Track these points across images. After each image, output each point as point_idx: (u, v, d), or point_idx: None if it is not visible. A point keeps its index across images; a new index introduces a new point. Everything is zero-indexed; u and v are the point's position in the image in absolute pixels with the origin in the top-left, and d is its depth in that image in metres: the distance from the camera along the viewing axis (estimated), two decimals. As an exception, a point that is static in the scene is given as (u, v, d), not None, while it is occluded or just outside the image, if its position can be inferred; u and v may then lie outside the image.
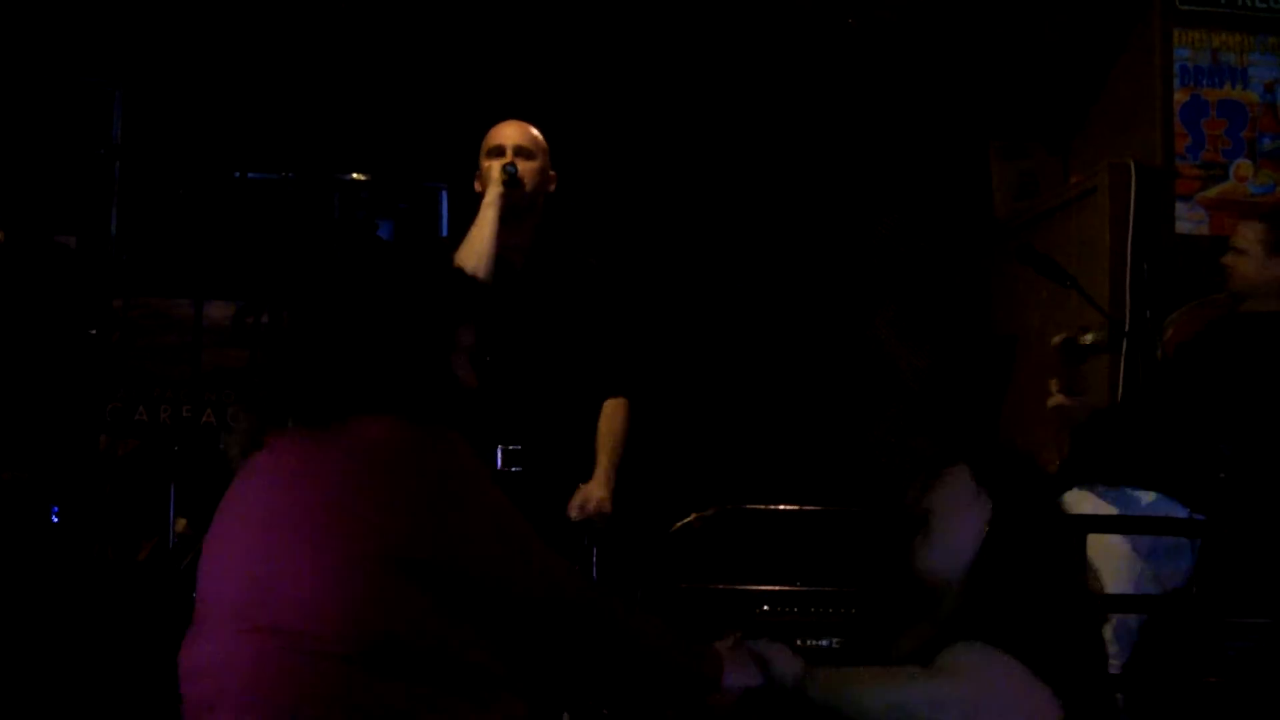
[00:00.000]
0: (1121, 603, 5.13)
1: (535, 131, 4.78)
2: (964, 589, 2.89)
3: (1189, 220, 6.80)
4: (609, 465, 4.69)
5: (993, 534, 2.89)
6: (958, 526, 2.90)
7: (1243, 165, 6.88)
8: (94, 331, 6.42)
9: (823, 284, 7.92)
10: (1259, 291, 5.39)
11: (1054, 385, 5.25)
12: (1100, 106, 7.35)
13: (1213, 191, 6.84)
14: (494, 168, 4.64)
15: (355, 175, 7.44)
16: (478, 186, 4.75)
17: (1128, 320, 6.46)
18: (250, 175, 7.38)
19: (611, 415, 4.79)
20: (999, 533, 2.89)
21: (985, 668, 2.78)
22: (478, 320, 2.91)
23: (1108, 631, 4.95)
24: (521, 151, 4.68)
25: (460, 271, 3.08)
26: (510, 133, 4.74)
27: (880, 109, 7.77)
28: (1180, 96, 6.87)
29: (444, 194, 7.39)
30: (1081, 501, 5.25)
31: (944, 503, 2.92)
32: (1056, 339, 5.36)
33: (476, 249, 4.52)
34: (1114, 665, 4.92)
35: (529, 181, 4.68)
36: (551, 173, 4.79)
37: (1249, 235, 5.42)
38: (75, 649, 5.03)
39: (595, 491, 4.62)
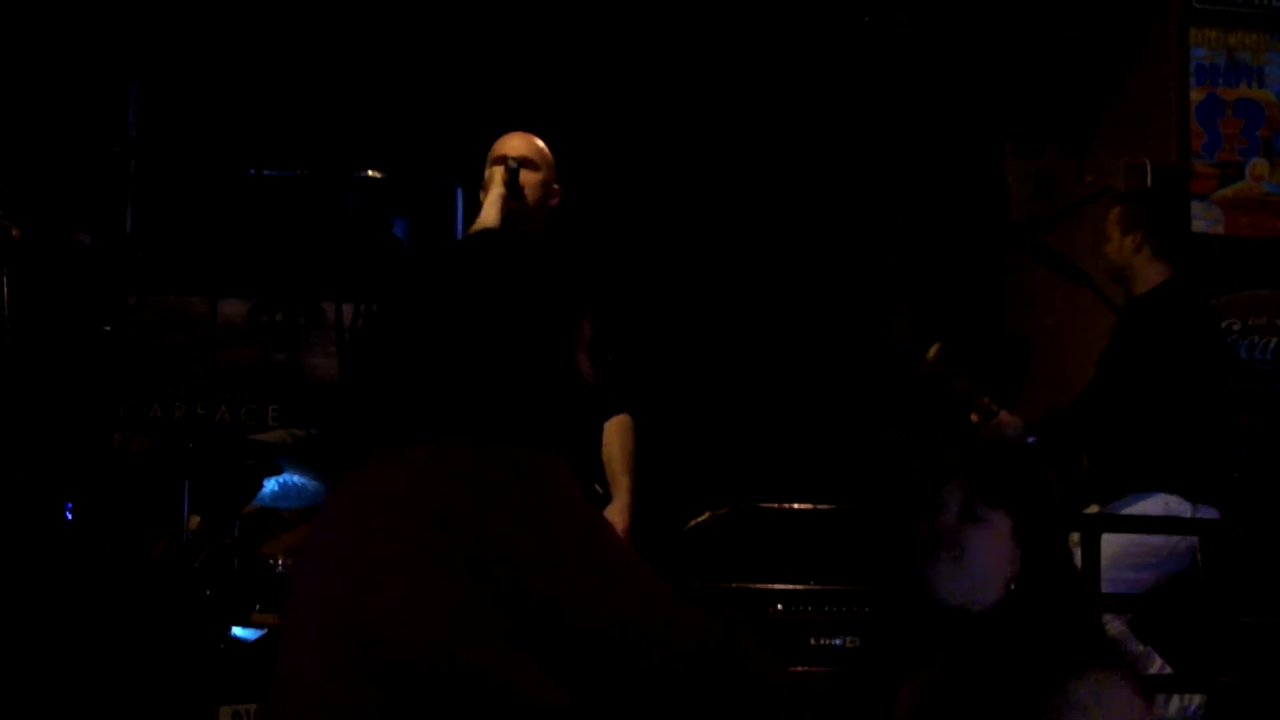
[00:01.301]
0: (1122, 603, 5.14)
1: (541, 144, 4.74)
2: (982, 621, 2.87)
3: (1204, 219, 6.79)
4: (627, 495, 4.66)
5: (1023, 574, 2.88)
6: (985, 567, 2.89)
7: (1259, 164, 6.88)
8: (108, 329, 6.43)
9: (837, 284, 7.91)
10: (1128, 273, 5.48)
11: (974, 417, 5.30)
12: (1116, 106, 7.35)
13: (1228, 190, 6.84)
14: (496, 171, 4.62)
15: (370, 173, 7.43)
16: (482, 196, 4.73)
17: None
18: (265, 172, 7.38)
19: (621, 436, 4.74)
20: (1029, 571, 2.88)
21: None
22: (592, 309, 2.54)
23: None
24: (526, 163, 4.64)
25: (572, 253, 2.59)
26: (515, 144, 4.70)
27: (896, 109, 7.76)
28: (1196, 95, 6.86)
29: (459, 192, 7.37)
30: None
31: (979, 540, 2.90)
32: (932, 352, 5.40)
33: None
34: None
35: (531, 192, 4.63)
36: (556, 186, 4.74)
37: (1109, 220, 5.54)
38: (88, 646, 5.03)
39: (619, 526, 4.54)
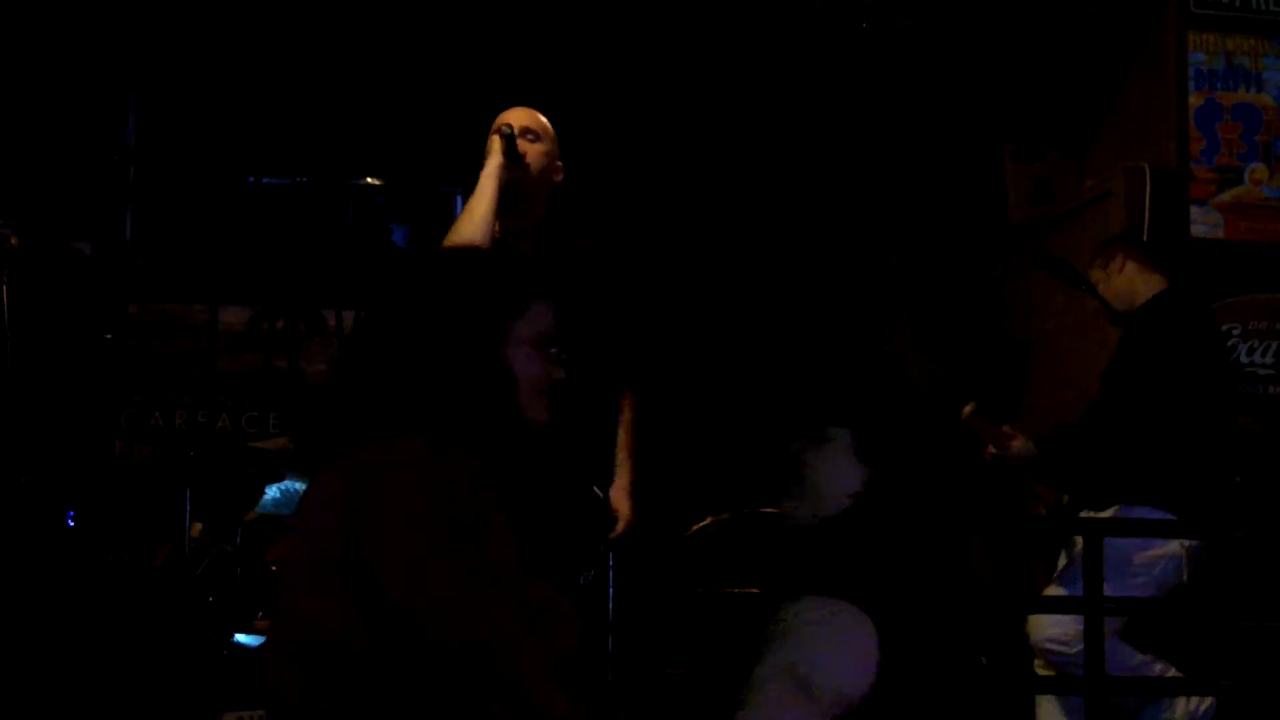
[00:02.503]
0: (1123, 604, 5.14)
1: (544, 119, 4.63)
2: (823, 537, 2.94)
3: (1204, 224, 6.78)
4: (627, 477, 4.58)
5: (864, 499, 2.94)
6: (827, 483, 2.95)
7: (1257, 169, 6.87)
8: (109, 337, 6.43)
9: (838, 290, 7.91)
10: (1129, 297, 5.52)
11: (990, 450, 5.34)
12: (1115, 110, 7.35)
13: (1227, 195, 6.83)
14: (493, 140, 4.52)
15: (369, 180, 7.44)
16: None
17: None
18: (265, 180, 7.39)
19: (624, 418, 4.69)
20: (870, 500, 2.95)
21: (817, 624, 2.80)
22: (540, 305, 2.63)
23: None
24: (528, 133, 4.55)
25: (504, 255, 2.77)
26: (516, 115, 4.60)
27: (896, 114, 7.76)
28: (1195, 100, 6.86)
29: (459, 198, 7.38)
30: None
31: (820, 459, 2.97)
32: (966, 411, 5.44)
33: (474, 218, 4.31)
34: None
35: (534, 161, 4.53)
36: (559, 163, 4.64)
37: (1091, 270, 5.65)
38: (91, 654, 5.03)
39: (623, 509, 4.48)
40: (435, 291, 2.57)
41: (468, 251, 2.85)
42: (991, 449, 5.31)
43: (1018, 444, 5.28)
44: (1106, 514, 5.28)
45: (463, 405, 2.50)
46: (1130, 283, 5.51)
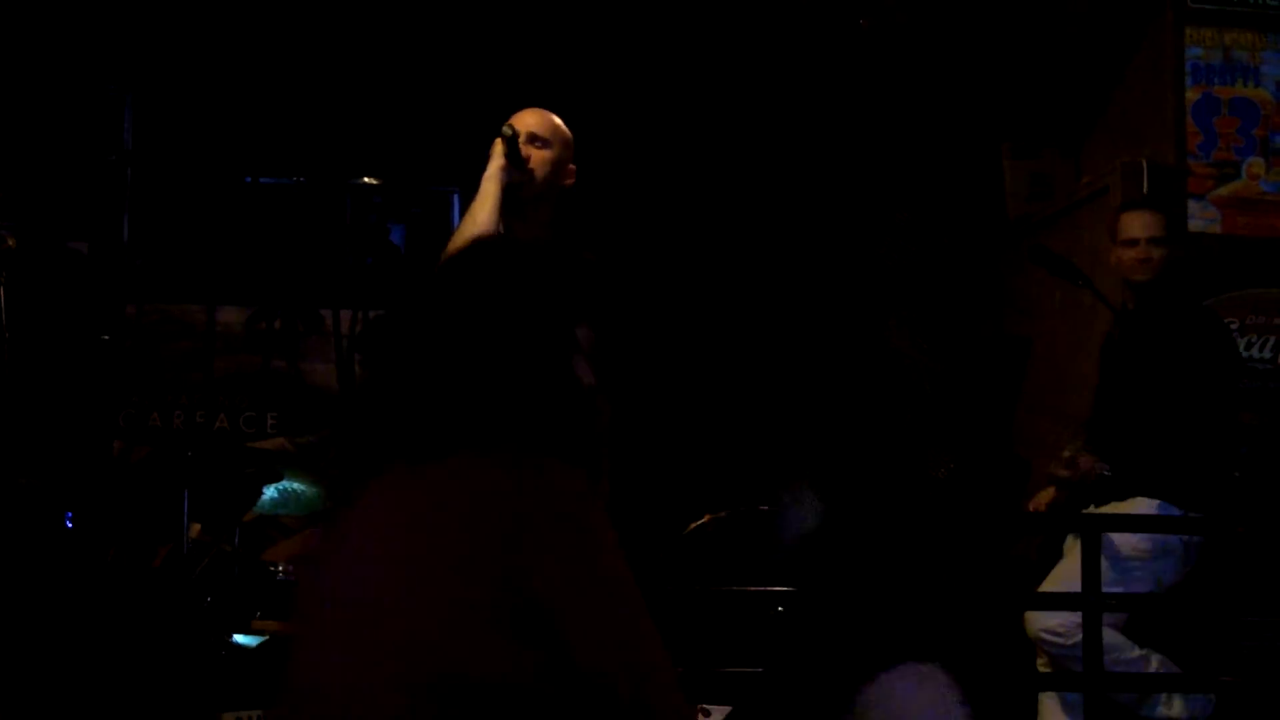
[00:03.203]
0: (1122, 600, 5.14)
1: (557, 121, 4.52)
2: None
3: (1201, 219, 6.78)
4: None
5: (819, 535, 3.05)
6: (790, 521, 3.10)
7: (1255, 163, 6.87)
8: (107, 337, 6.43)
9: (836, 286, 7.91)
10: (1159, 279, 5.45)
11: (1062, 471, 5.35)
12: (1113, 106, 7.34)
13: (1225, 190, 6.83)
14: (497, 142, 4.40)
15: (367, 179, 7.44)
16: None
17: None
18: (262, 180, 7.39)
19: None
20: (824, 534, 3.05)
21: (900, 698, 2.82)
22: (596, 309, 2.52)
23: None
24: (535, 139, 4.48)
25: (571, 256, 2.55)
26: (525, 118, 4.50)
27: (893, 111, 7.76)
28: (1192, 95, 6.85)
29: (455, 197, 7.38)
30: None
31: (785, 500, 3.12)
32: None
33: (477, 222, 4.28)
34: None
35: (539, 169, 4.47)
36: (570, 167, 4.54)
37: (1158, 224, 5.47)
38: (90, 654, 5.03)
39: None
40: (511, 288, 2.42)
41: (543, 247, 2.66)
42: (1062, 472, 5.32)
43: (1085, 461, 5.28)
44: (1109, 509, 5.28)
45: (551, 417, 2.35)
46: (1174, 262, 5.45)
